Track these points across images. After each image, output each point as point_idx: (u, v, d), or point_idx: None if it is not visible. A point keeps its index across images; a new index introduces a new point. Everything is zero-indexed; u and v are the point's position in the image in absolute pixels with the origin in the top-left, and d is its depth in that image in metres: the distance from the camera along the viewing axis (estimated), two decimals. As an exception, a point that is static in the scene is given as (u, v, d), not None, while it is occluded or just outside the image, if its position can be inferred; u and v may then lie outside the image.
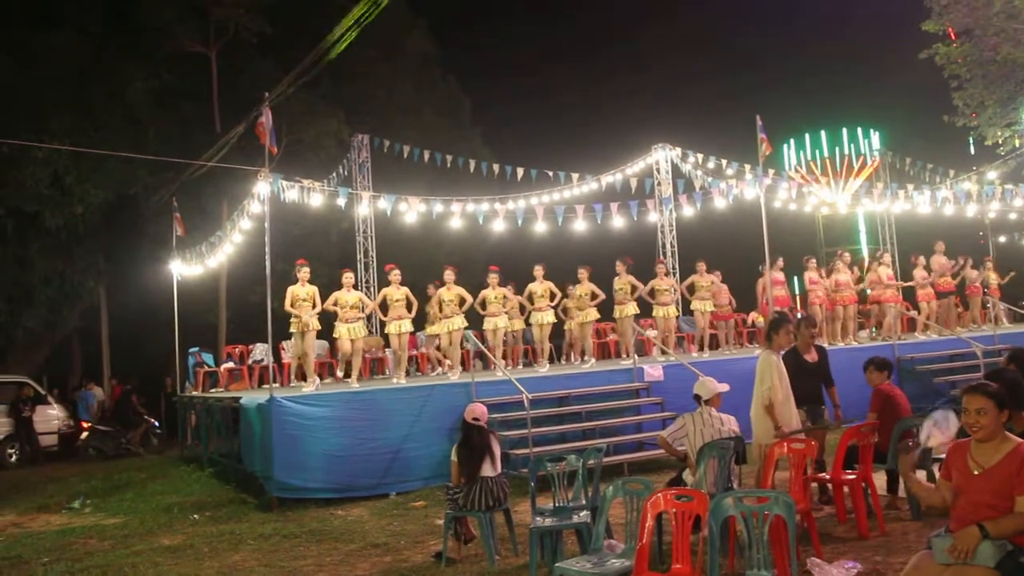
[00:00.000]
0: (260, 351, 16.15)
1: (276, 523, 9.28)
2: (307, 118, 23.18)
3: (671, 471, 8.90)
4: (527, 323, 14.16)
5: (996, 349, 14.11)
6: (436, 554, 7.21)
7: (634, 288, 13.62)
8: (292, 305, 11.77)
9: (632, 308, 13.68)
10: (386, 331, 12.61)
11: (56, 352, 25.73)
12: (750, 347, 16.22)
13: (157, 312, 22.03)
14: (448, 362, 13.15)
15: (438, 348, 14.09)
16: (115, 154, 19.18)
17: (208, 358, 17.57)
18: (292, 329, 11.89)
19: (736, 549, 5.90)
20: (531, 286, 13.55)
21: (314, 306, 11.98)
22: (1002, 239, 25.60)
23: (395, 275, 12.53)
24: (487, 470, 6.91)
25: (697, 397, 6.97)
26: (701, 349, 14.97)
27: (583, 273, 13.68)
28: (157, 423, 19.53)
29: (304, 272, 11.98)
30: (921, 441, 4.40)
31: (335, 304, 12.06)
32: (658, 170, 19.25)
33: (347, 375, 12.32)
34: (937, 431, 4.32)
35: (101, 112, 21.77)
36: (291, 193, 13.31)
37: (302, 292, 11.89)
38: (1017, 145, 20.21)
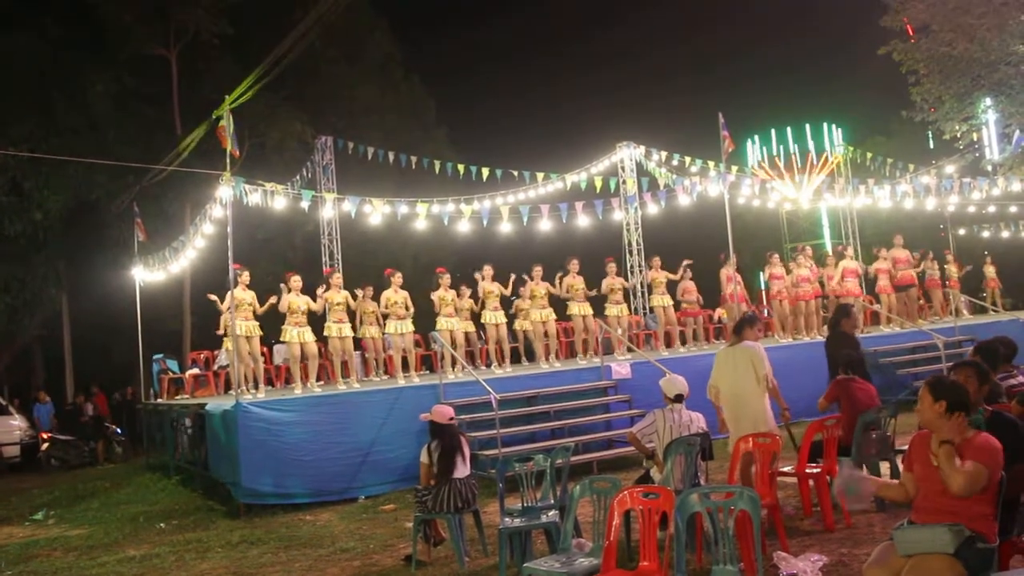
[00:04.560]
0: (225, 356, 15.99)
1: (244, 530, 9.20)
2: (270, 120, 23.00)
3: (640, 468, 8.94)
4: (479, 324, 14.03)
5: (957, 340, 14.34)
6: (406, 557, 7.19)
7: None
8: (236, 309, 11.60)
9: (588, 307, 13.74)
10: (324, 334, 12.44)
11: (17, 361, 25.32)
12: (716, 343, 16.32)
13: (120, 319, 21.77)
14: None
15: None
16: (75, 159, 18.92)
17: (173, 364, 17.39)
18: (238, 332, 11.64)
19: (703, 545, 5.94)
20: (482, 286, 13.47)
21: (255, 312, 11.95)
22: (961, 231, 26.01)
23: (336, 279, 12.47)
24: (457, 471, 6.90)
25: (679, 396, 6.98)
26: (668, 345, 15.02)
27: (537, 272, 13.61)
28: (120, 431, 19.26)
29: (244, 276, 11.88)
30: (834, 493, 4.46)
31: (288, 309, 11.93)
32: (623, 168, 19.30)
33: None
34: (851, 495, 4.37)
35: (60, 116, 21.49)
36: (254, 197, 13.20)
37: (247, 296, 11.82)
38: (974, 139, 20.53)
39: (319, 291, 12.13)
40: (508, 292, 13.62)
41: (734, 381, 7.32)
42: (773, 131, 21.48)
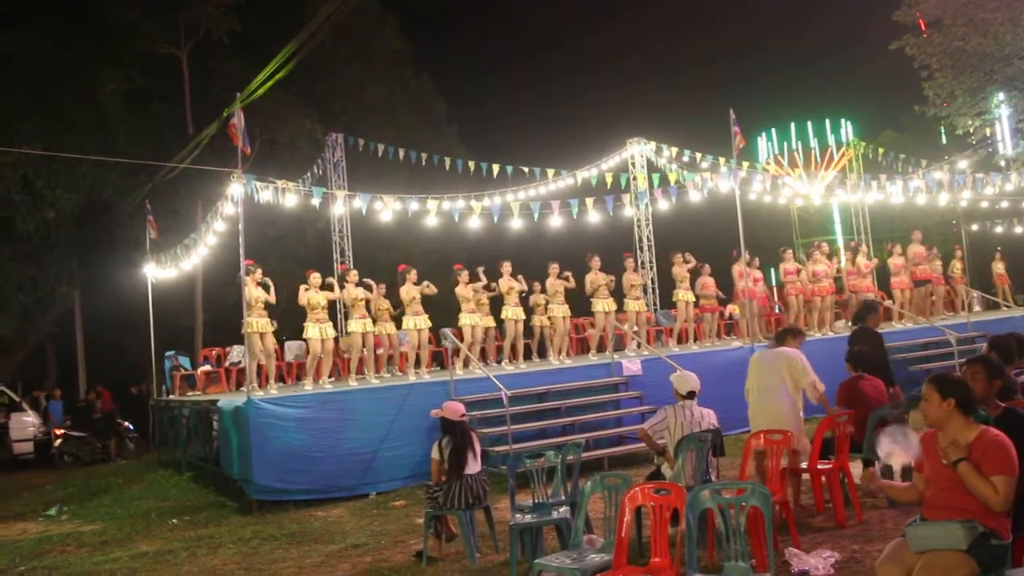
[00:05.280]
0: (237, 353, 16.04)
1: (255, 526, 9.24)
2: (280, 118, 23.05)
3: (651, 465, 8.92)
4: (499, 320, 14.00)
5: (970, 336, 14.27)
6: (417, 553, 7.20)
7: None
8: (252, 306, 11.60)
9: (612, 303, 13.74)
10: (348, 331, 12.45)
11: (30, 358, 25.45)
12: (728, 339, 16.28)
13: (133, 316, 21.86)
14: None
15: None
16: (86, 157, 19.01)
17: (185, 361, 17.44)
18: (252, 329, 11.61)
19: (715, 541, 5.92)
20: (500, 282, 13.45)
21: (266, 306, 11.91)
22: (974, 227, 25.84)
23: (352, 276, 12.47)
24: (468, 468, 6.90)
25: (691, 393, 6.95)
26: (682, 341, 14.99)
27: (554, 268, 13.62)
28: (132, 427, 19.35)
29: (256, 273, 11.85)
30: (881, 457, 4.42)
31: (308, 306, 11.92)
32: (633, 164, 19.27)
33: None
34: (897, 448, 4.34)
35: (72, 115, 21.56)
36: (265, 194, 13.19)
37: (259, 293, 11.80)
38: (987, 134, 20.38)
39: (337, 290, 12.21)
40: (524, 288, 13.59)
41: (763, 385, 7.29)
42: (787, 126, 21.43)
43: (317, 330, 11.83)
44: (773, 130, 21.55)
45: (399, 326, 12.94)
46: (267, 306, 11.95)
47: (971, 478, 3.86)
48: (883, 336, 9.13)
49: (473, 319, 12.96)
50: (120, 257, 22.17)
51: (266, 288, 11.86)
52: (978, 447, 3.94)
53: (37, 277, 21.89)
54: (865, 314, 9.07)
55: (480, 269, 13.49)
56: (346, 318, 18.07)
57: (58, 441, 17.91)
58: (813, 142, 20.57)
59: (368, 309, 12.47)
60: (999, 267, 19.59)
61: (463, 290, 13.01)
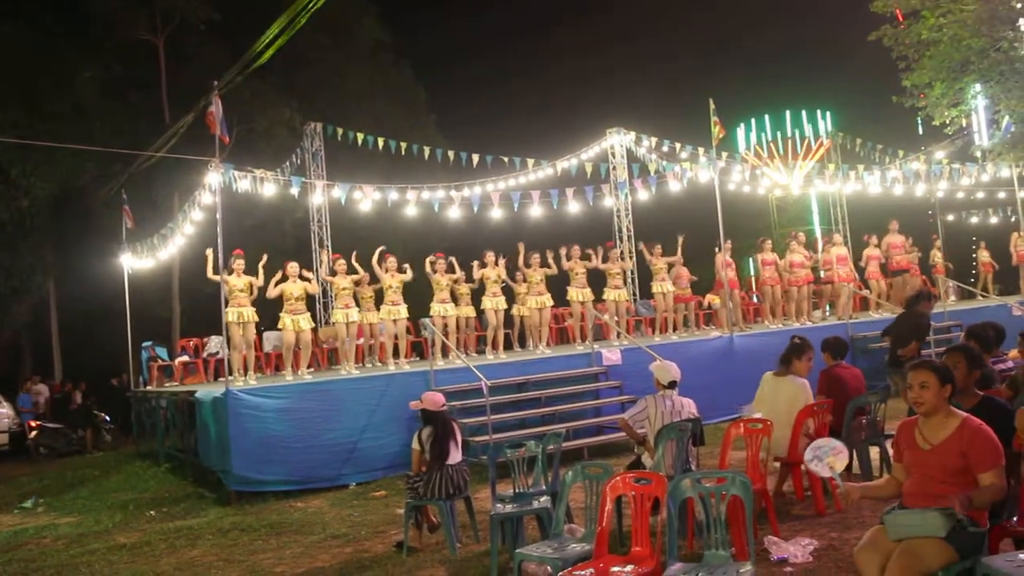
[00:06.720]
0: (215, 344, 15.93)
1: (235, 517, 9.18)
2: (259, 106, 22.89)
3: (631, 454, 8.95)
4: (480, 310, 13.98)
5: (946, 326, 14.38)
6: (397, 543, 7.18)
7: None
8: (230, 295, 11.55)
9: (589, 293, 13.77)
10: (332, 320, 12.42)
11: (5, 349, 25.18)
12: (707, 329, 16.34)
13: (109, 306, 21.68)
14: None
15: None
16: (61, 146, 18.81)
17: (162, 352, 17.32)
18: (229, 319, 11.53)
19: (695, 530, 5.95)
20: (484, 272, 13.43)
21: (251, 294, 11.83)
22: (950, 217, 26.08)
23: (340, 265, 12.41)
24: (449, 458, 6.89)
25: (673, 383, 6.94)
26: (661, 332, 15.02)
27: (535, 259, 13.62)
28: (109, 418, 19.19)
29: (239, 263, 11.77)
30: (822, 473, 4.40)
31: (281, 295, 11.85)
32: (613, 155, 19.29)
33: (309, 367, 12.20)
34: (831, 456, 4.36)
35: (47, 103, 21.34)
36: (243, 183, 13.13)
37: (239, 283, 11.70)
38: (964, 125, 20.54)
39: (325, 276, 12.13)
40: (504, 278, 13.56)
41: (773, 411, 7.24)
42: (766, 117, 21.48)
43: (290, 321, 11.76)
44: (761, 119, 21.62)
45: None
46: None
47: (980, 499, 3.90)
48: (929, 319, 9.79)
49: (444, 309, 12.90)
50: (96, 247, 21.97)
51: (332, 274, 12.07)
52: (962, 436, 3.97)
53: (11, 266, 21.66)
54: (918, 299, 9.63)
55: (452, 259, 13.41)
56: (325, 308, 18.09)
57: (33, 432, 17.73)
58: (792, 133, 20.64)
59: (355, 297, 12.43)
60: (984, 256, 19.74)
61: (438, 278, 12.95)
